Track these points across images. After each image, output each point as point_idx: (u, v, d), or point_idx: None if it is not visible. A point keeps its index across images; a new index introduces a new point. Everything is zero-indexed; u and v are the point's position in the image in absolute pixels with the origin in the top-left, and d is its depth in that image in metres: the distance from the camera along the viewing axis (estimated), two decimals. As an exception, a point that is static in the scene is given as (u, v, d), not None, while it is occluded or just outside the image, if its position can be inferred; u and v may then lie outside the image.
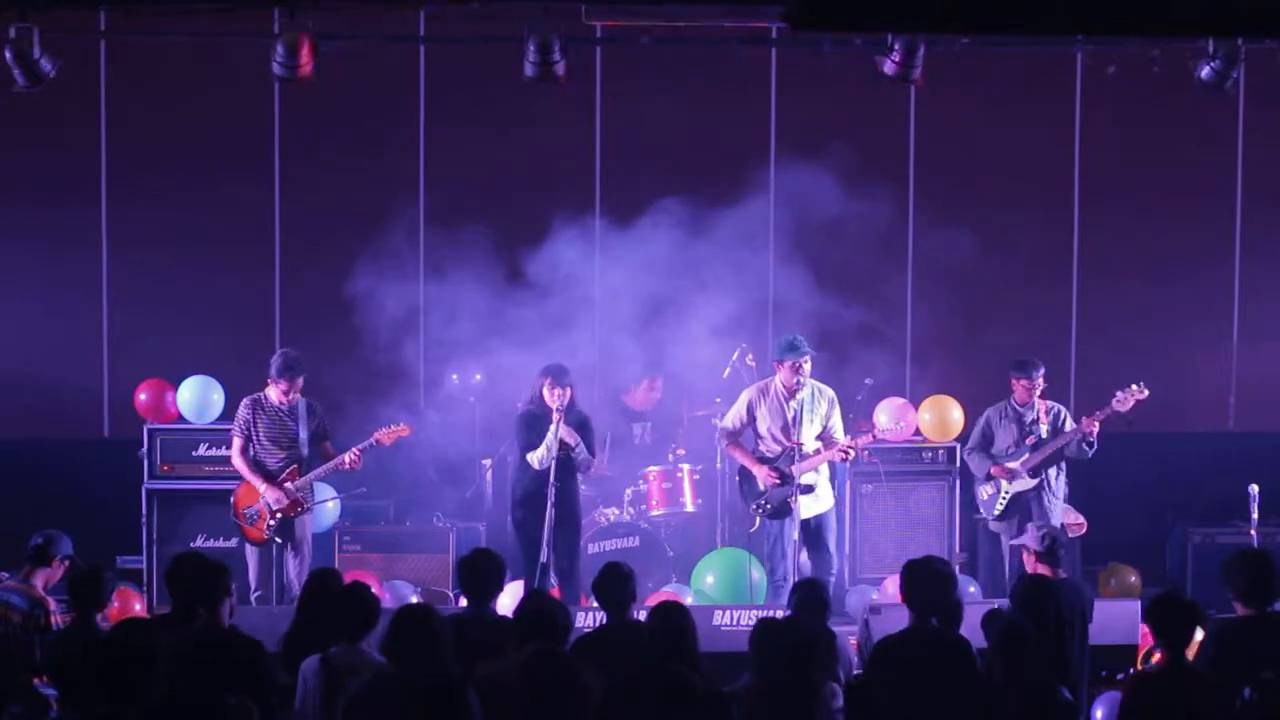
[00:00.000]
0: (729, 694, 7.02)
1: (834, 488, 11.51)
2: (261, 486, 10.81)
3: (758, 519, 11.10)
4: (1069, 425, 11.39)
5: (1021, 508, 11.32)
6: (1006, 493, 11.39)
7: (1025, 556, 9.11)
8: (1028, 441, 11.40)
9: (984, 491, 11.56)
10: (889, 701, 7.48)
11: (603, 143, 13.15)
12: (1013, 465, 11.38)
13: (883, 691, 7.52)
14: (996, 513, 11.43)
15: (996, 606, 8.39)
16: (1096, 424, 11.20)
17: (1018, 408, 11.49)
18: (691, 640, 7.38)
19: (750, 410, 11.07)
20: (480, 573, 8.28)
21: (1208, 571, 11.89)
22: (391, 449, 11.41)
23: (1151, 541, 12.67)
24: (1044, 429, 11.38)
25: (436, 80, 13.06)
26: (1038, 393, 11.43)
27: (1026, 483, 11.38)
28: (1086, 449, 11.31)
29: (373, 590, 7.98)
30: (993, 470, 11.43)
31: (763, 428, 11.06)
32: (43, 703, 7.79)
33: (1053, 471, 11.42)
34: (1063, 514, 11.47)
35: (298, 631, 8.06)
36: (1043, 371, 11.45)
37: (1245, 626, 7.91)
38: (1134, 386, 11.24)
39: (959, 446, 12.03)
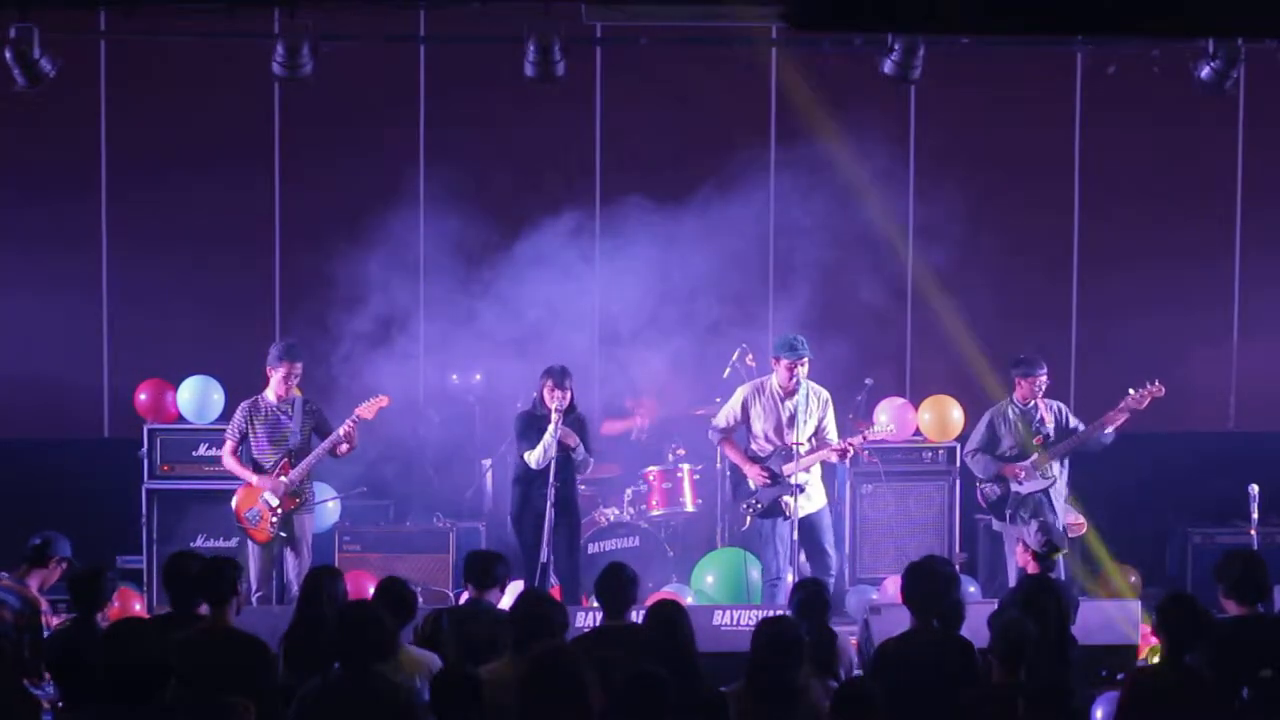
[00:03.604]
0: (725, 694, 7.04)
1: (833, 487, 11.51)
2: (254, 480, 10.80)
3: (748, 518, 11.09)
4: (1074, 421, 11.35)
5: (1031, 508, 11.23)
6: (1016, 493, 11.33)
7: (1020, 552, 9.10)
8: (1035, 441, 11.36)
9: (991, 492, 11.48)
10: (891, 703, 7.47)
11: (602, 142, 13.16)
12: (1025, 465, 11.34)
13: (885, 693, 7.51)
14: (1007, 514, 11.36)
15: (1004, 606, 8.40)
16: (1122, 418, 11.15)
17: (1021, 407, 11.43)
18: (687, 638, 7.38)
19: (745, 408, 11.05)
20: (486, 565, 8.36)
21: (1208, 571, 11.85)
22: (392, 449, 11.44)
23: (1151, 541, 12.67)
24: (1049, 428, 11.35)
25: (436, 80, 13.06)
26: (1040, 391, 11.40)
27: (1037, 483, 11.33)
28: (1104, 440, 11.28)
29: (408, 585, 8.08)
30: (1004, 470, 11.38)
31: (757, 427, 11.04)
32: (34, 703, 7.79)
33: (1057, 470, 11.38)
34: (1064, 514, 11.44)
35: (299, 631, 8.05)
36: (1045, 370, 11.42)
37: (1236, 626, 7.93)
38: (1149, 385, 11.18)
39: (959, 446, 12.02)
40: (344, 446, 10.77)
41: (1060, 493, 11.40)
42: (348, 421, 10.73)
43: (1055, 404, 11.49)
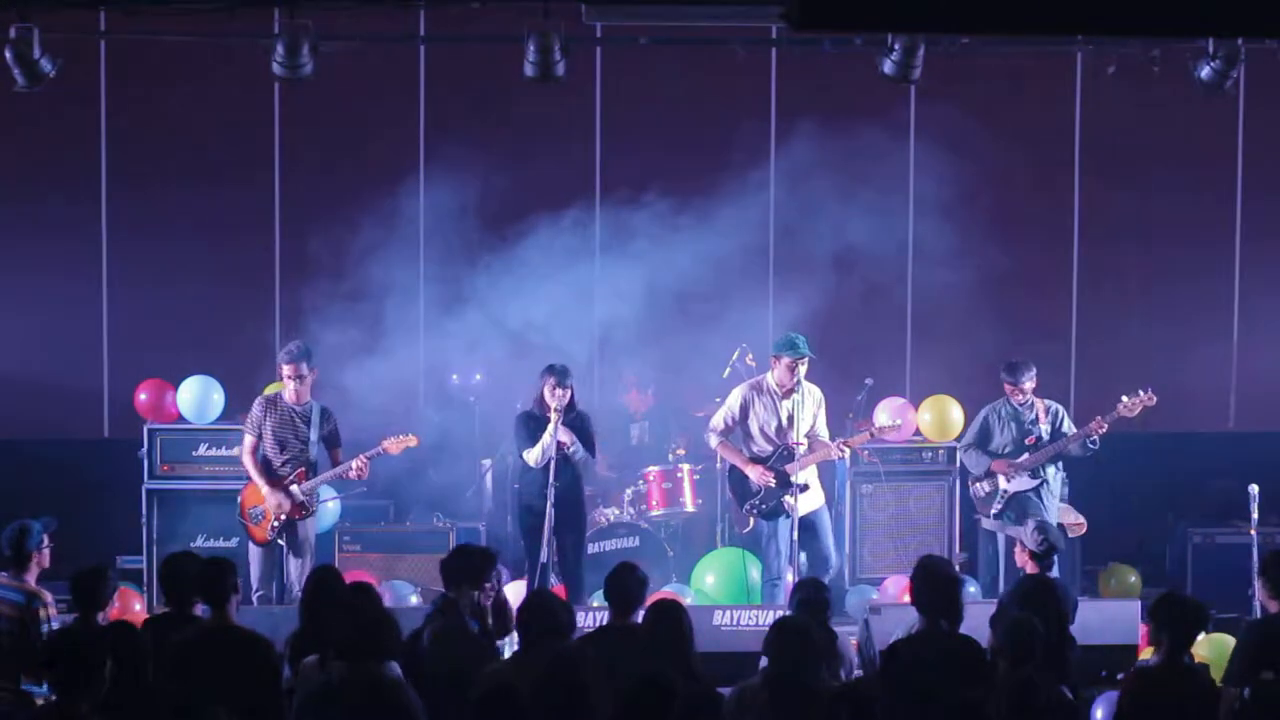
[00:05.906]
0: (722, 693, 7.04)
1: (833, 487, 11.51)
2: (265, 489, 10.78)
3: (751, 519, 11.08)
4: (1068, 425, 11.36)
5: (1018, 506, 11.26)
6: (1004, 491, 11.36)
7: (1018, 553, 9.10)
8: (1027, 441, 11.37)
9: (981, 489, 11.52)
10: (905, 703, 7.47)
11: (602, 142, 13.16)
12: (1013, 462, 11.35)
13: (898, 693, 7.51)
14: (994, 511, 11.39)
15: (1003, 606, 8.40)
16: (1105, 427, 11.17)
17: (1016, 406, 11.44)
18: (686, 637, 7.38)
19: (744, 409, 11.04)
20: (470, 561, 8.27)
21: (1208, 571, 11.91)
22: (392, 448, 11.42)
23: (1151, 541, 12.67)
24: (1044, 429, 11.36)
25: (436, 80, 13.07)
26: (1026, 396, 11.38)
27: (1025, 482, 11.35)
28: (1090, 447, 11.29)
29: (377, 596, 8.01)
30: (993, 466, 11.39)
31: (754, 427, 11.03)
32: (28, 701, 7.79)
33: (1051, 471, 11.39)
34: (1061, 514, 11.44)
35: (304, 632, 8.03)
36: (1033, 373, 11.40)
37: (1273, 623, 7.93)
38: (1141, 393, 11.18)
39: (959, 446, 12.03)
40: (355, 467, 10.74)
41: (1054, 492, 11.39)
42: (361, 456, 10.70)
43: (1054, 406, 11.47)
